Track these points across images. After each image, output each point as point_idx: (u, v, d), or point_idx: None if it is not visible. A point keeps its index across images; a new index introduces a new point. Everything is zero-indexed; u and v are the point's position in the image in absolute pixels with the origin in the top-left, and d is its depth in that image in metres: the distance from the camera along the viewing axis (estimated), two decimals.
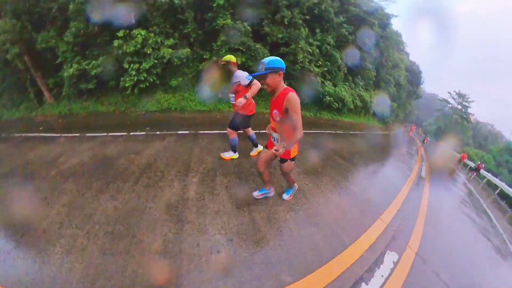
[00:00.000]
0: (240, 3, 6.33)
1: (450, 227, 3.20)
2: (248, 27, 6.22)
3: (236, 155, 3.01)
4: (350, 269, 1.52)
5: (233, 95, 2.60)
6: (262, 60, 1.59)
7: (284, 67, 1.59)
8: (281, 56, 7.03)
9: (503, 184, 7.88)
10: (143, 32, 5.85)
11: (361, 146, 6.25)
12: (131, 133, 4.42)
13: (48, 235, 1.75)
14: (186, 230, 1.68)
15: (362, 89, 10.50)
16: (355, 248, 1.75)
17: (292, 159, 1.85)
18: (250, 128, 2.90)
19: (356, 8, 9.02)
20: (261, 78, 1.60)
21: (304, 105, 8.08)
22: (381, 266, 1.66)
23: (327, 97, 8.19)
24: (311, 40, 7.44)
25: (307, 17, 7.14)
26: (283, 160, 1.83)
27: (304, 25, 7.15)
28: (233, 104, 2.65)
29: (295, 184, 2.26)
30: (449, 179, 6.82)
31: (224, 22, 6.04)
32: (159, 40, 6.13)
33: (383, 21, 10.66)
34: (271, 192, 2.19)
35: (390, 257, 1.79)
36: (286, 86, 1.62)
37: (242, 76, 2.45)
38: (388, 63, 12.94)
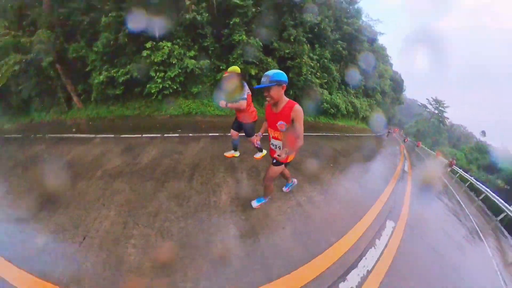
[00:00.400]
0: (253, 21, 6.86)
1: (429, 209, 3.86)
2: (260, 43, 6.76)
3: (264, 152, 3.39)
4: (367, 230, 2.09)
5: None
6: (266, 73, 1.51)
7: (287, 80, 1.54)
8: (287, 69, 7.63)
9: (472, 178, 8.83)
10: (169, 44, 6.26)
11: (356, 147, 6.92)
12: (165, 135, 4.73)
13: (114, 237, 1.67)
14: (254, 216, 2.01)
15: (353, 97, 11.27)
16: (366, 219, 2.33)
17: (286, 164, 1.86)
18: (238, 133, 2.96)
19: (349, 27, 9.76)
20: (264, 90, 1.52)
21: (304, 111, 8.69)
22: (385, 229, 2.25)
23: (325, 104, 8.85)
24: (311, 55, 8.07)
25: (309, 35, 7.76)
26: (277, 163, 1.78)
27: (306, 41, 7.77)
28: (236, 112, 2.71)
29: (291, 183, 2.31)
30: (428, 174, 7.64)
31: (240, 38, 6.54)
32: (182, 51, 6.56)
33: (371, 38, 11.48)
34: (295, 182, 2.39)
35: (390, 224, 2.39)
36: (288, 99, 1.60)
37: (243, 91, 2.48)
38: (375, 73, 13.83)
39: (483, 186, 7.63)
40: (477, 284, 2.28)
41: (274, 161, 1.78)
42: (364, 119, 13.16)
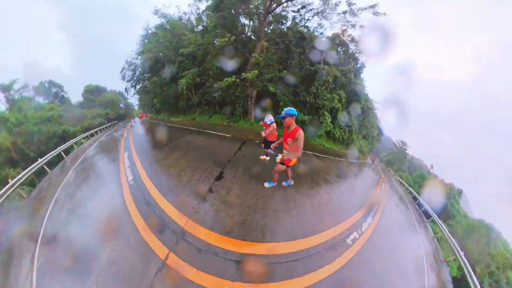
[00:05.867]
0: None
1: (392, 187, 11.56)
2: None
3: (268, 158, 6.11)
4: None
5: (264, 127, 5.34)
6: (285, 108, 3.06)
7: (296, 114, 3.01)
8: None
9: (407, 186, 15.85)
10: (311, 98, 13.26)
11: (362, 163, 14.85)
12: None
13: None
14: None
15: (361, 138, 19.57)
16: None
17: (288, 166, 3.46)
18: (270, 148, 4.90)
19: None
20: (282, 118, 3.04)
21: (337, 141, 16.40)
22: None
23: (357, 143, 16.87)
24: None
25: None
26: (282, 163, 3.44)
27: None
28: (266, 134, 5.16)
29: (276, 182, 4.05)
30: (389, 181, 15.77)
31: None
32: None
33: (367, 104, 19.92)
34: (291, 183, 4.22)
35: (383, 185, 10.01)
36: (297, 126, 3.01)
37: (268, 117, 5.08)
38: (367, 125, 22.28)
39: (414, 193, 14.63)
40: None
41: (281, 162, 3.43)
42: (362, 151, 21.63)
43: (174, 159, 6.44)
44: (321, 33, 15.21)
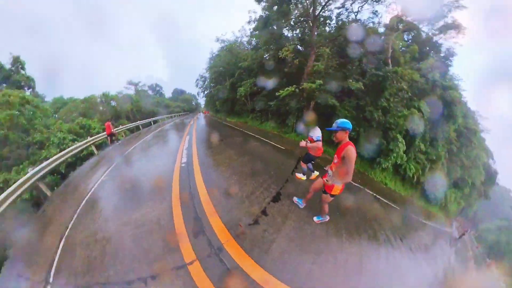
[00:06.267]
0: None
1: None
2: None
3: (304, 177, 4.98)
4: None
5: (309, 142, 4.30)
6: (336, 120, 2.27)
7: (351, 128, 2.24)
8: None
9: None
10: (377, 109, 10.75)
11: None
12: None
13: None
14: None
15: (450, 186, 12.68)
16: None
17: (332, 195, 2.50)
18: (311, 163, 4.61)
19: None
20: (333, 132, 2.22)
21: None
22: None
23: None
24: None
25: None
26: (325, 192, 2.54)
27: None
28: (308, 147, 4.21)
29: (327, 216, 3.01)
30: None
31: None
32: None
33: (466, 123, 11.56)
34: (327, 219, 3.15)
35: None
36: (348, 141, 2.22)
37: (316, 132, 4.13)
38: (465, 162, 12.11)
39: None
40: None
41: (324, 190, 2.61)
42: (446, 209, 12.48)
43: (227, 157, 6.51)
44: (378, 23, 11.37)
